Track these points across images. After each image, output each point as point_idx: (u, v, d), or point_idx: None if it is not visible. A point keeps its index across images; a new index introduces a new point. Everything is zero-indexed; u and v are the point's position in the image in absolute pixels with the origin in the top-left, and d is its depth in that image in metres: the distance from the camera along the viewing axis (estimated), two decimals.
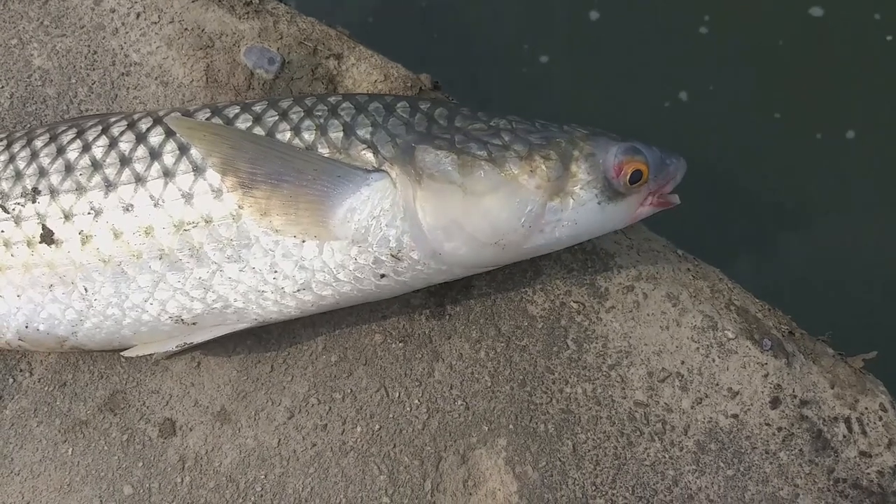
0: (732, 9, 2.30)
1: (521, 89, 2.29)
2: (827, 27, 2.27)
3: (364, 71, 1.67)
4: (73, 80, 1.67)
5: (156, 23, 1.69)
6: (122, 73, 1.67)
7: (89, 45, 1.68)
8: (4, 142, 1.40)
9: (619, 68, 2.27)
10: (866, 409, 1.49)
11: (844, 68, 2.25)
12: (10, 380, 1.48)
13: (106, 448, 1.44)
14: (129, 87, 1.66)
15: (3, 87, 1.65)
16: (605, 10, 2.33)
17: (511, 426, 1.45)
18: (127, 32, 1.69)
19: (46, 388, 1.48)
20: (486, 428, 1.45)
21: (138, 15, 1.70)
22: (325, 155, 1.29)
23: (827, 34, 2.27)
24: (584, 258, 1.56)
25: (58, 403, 1.47)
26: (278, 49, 1.67)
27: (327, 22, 1.72)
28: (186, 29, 1.68)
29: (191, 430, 1.45)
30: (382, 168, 1.29)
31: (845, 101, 2.22)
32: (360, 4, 2.35)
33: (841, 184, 2.19)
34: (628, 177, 1.34)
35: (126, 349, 1.40)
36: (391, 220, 1.29)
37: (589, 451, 1.44)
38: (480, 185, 1.29)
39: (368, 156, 1.30)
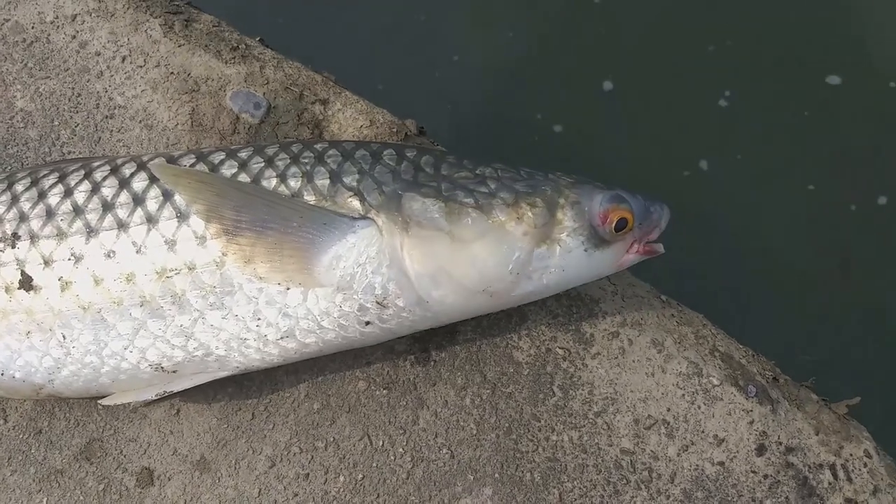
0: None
1: (535, 157, 2.31)
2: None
3: (350, 116, 1.68)
4: (56, 123, 1.66)
5: (141, 66, 1.69)
6: (106, 116, 1.66)
7: (73, 88, 1.68)
8: None
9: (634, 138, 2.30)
10: (851, 455, 1.49)
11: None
12: None
13: (82, 498, 1.41)
14: (112, 130, 1.65)
15: None
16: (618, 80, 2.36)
17: (497, 475, 1.43)
18: (112, 75, 1.69)
19: (21, 436, 1.45)
20: (472, 477, 1.43)
21: (124, 58, 1.70)
22: (312, 202, 1.29)
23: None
24: (569, 304, 1.56)
25: (33, 451, 1.44)
26: (264, 94, 1.68)
27: (313, 67, 1.73)
28: (172, 73, 1.68)
29: (169, 479, 1.42)
30: (369, 216, 1.29)
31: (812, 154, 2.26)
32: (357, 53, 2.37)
33: (819, 232, 2.22)
34: (614, 224, 1.35)
35: (104, 397, 1.37)
36: (377, 267, 1.28)
37: (575, 499, 1.42)
38: (468, 232, 1.29)
39: (355, 203, 1.29)
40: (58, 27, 1.73)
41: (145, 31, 1.71)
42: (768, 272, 2.20)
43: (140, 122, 1.66)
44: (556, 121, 2.35)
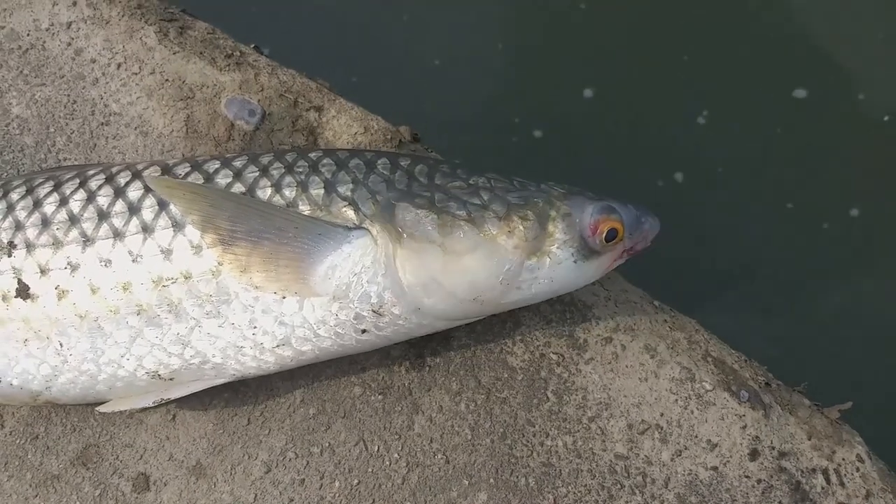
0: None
1: (513, 161, 2.32)
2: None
3: (344, 123, 1.69)
4: (52, 129, 1.66)
5: (136, 73, 1.69)
6: (102, 123, 1.66)
7: (69, 95, 1.68)
8: None
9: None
10: (843, 459, 1.50)
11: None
12: None
13: (78, 503, 1.42)
14: (108, 137, 1.66)
15: None
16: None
17: (492, 480, 1.44)
18: (107, 83, 1.69)
19: (18, 441, 1.45)
20: (467, 482, 1.44)
21: (119, 66, 1.70)
22: (307, 212, 1.29)
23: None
24: (563, 309, 1.57)
25: (29, 457, 1.44)
26: (259, 101, 1.68)
27: (308, 74, 1.73)
28: (167, 80, 1.69)
29: (165, 485, 1.43)
30: (363, 225, 1.29)
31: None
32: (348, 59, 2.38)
33: (812, 239, 2.24)
34: (604, 235, 1.36)
35: (101, 404, 1.38)
36: (372, 276, 1.29)
37: None
38: (460, 245, 1.29)
39: (349, 213, 1.30)
40: (53, 34, 1.73)
41: (140, 38, 1.72)
42: (757, 278, 2.22)
43: (135, 128, 1.66)
44: (536, 126, 2.36)
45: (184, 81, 1.69)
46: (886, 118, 2.35)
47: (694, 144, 2.33)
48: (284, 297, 1.28)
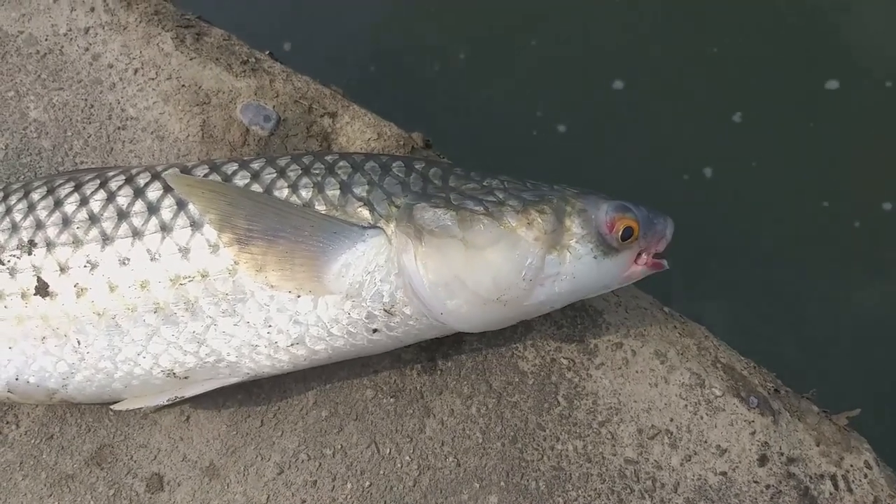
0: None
1: (539, 155, 2.32)
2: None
3: (358, 129, 1.71)
4: (69, 133, 1.68)
5: (153, 79, 1.72)
6: (118, 127, 1.69)
7: (86, 99, 1.71)
8: (0, 193, 1.41)
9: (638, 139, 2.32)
10: (851, 466, 1.51)
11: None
12: None
13: (92, 503, 1.42)
14: (124, 141, 1.68)
15: None
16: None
17: (502, 483, 1.45)
18: (124, 87, 1.71)
19: (33, 441, 1.46)
20: (478, 485, 1.45)
21: (136, 71, 1.72)
22: (322, 212, 1.31)
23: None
24: (574, 315, 1.58)
25: (44, 457, 1.45)
26: (274, 107, 1.70)
27: (322, 81, 1.76)
28: (183, 85, 1.71)
29: (179, 485, 1.44)
30: (378, 225, 1.31)
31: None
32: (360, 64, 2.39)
33: (822, 243, 2.24)
34: (620, 233, 1.36)
35: (115, 402, 1.39)
36: (385, 275, 1.30)
37: None
38: (481, 238, 1.30)
39: (365, 213, 1.32)
40: (71, 39, 1.76)
41: (157, 44, 1.74)
42: (768, 283, 2.22)
43: (152, 133, 1.68)
44: (559, 120, 2.36)
45: (200, 87, 1.71)
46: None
47: (726, 139, 2.31)
48: (299, 296, 1.30)
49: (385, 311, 1.32)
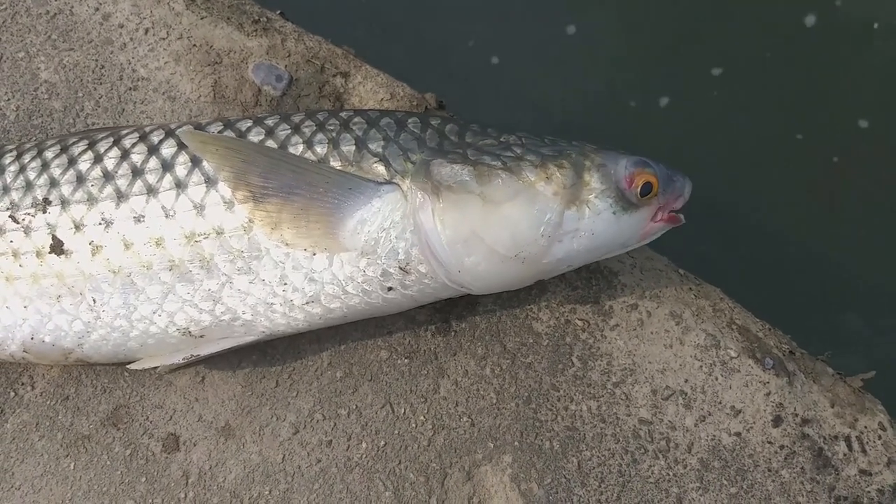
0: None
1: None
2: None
3: (370, 89, 1.69)
4: (80, 94, 1.67)
5: (164, 38, 1.70)
6: (130, 88, 1.67)
7: (97, 60, 1.69)
8: (14, 152, 1.40)
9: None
10: (866, 427, 1.50)
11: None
12: (12, 393, 1.47)
13: (108, 463, 1.43)
14: (136, 102, 1.67)
15: (9, 99, 1.66)
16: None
17: (516, 443, 1.45)
18: (135, 48, 1.70)
19: (49, 402, 1.47)
20: (492, 445, 1.45)
21: (147, 31, 1.71)
22: (338, 167, 1.30)
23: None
24: (589, 276, 1.58)
25: (60, 417, 1.46)
26: (286, 66, 1.69)
27: (333, 41, 1.74)
28: (195, 45, 1.70)
29: (195, 445, 1.44)
30: (394, 181, 1.30)
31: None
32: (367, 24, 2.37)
33: (841, 205, 2.22)
34: (639, 188, 1.35)
35: (131, 362, 1.39)
36: (401, 232, 1.30)
37: (594, 468, 1.44)
38: (499, 193, 1.29)
39: (380, 168, 1.31)
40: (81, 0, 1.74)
41: (168, 3, 1.73)
42: (786, 249, 2.21)
43: (163, 93, 1.67)
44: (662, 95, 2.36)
45: (211, 47, 1.70)
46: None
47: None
48: (314, 254, 1.29)
49: (400, 268, 1.32)
